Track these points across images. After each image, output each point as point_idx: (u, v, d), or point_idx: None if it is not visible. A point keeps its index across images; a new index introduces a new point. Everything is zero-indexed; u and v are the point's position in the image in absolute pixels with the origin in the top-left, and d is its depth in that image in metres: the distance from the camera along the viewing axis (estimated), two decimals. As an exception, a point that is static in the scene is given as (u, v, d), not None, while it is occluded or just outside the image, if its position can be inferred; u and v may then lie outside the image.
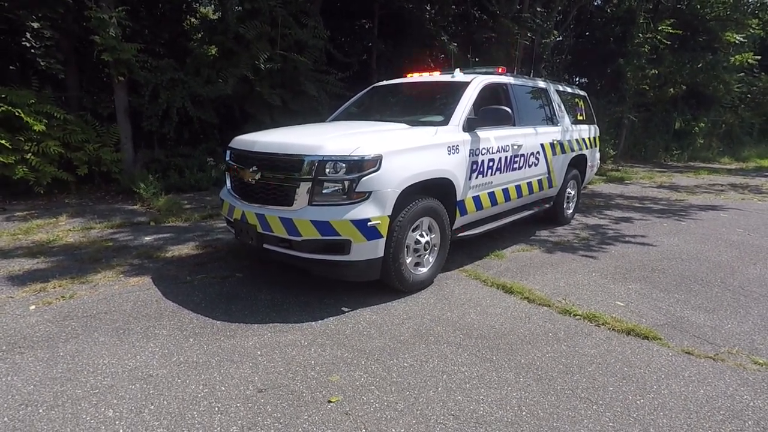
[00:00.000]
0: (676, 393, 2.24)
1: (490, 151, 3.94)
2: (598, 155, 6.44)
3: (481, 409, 2.09)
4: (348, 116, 4.68)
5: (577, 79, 16.35)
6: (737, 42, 14.62)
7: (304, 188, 3.00)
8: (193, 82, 7.44)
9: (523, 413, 2.06)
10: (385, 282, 3.24)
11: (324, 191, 2.99)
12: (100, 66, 7.32)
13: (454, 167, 3.54)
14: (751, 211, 6.78)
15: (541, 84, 5.14)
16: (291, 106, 8.03)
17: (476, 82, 4.05)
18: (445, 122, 3.67)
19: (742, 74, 15.76)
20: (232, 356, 2.48)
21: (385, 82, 5.02)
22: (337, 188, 2.98)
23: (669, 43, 13.44)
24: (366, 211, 2.95)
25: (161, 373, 2.31)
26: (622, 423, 2.01)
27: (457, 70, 4.44)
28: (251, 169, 3.25)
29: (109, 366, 2.37)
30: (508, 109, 3.70)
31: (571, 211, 5.83)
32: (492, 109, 3.72)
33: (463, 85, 4.03)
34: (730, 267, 4.15)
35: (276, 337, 2.72)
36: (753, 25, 14.52)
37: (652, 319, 3.05)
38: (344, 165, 2.94)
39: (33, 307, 3.07)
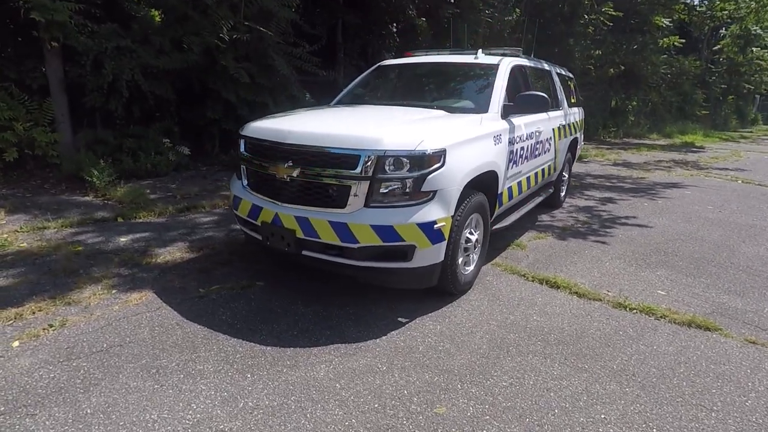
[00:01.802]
0: (769, 389, 2.28)
1: (522, 138, 3.76)
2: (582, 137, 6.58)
3: (612, 431, 1.96)
4: (355, 98, 4.23)
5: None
6: (664, 26, 15.77)
7: (360, 188, 2.60)
8: (143, 52, 6.39)
9: (654, 430, 1.96)
10: (440, 287, 2.98)
11: (382, 191, 2.62)
12: (27, 28, 6.00)
13: (498, 158, 3.31)
14: (706, 188, 7.38)
15: (546, 66, 5.02)
16: (258, 81, 7.24)
17: (505, 65, 3.80)
18: (484, 109, 3.41)
19: (665, 56, 17.11)
20: (309, 394, 2.11)
21: (393, 62, 4.60)
22: (396, 187, 2.62)
23: (611, 24, 14.12)
24: (432, 212, 2.64)
25: (235, 428, 1.90)
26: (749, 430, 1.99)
27: (479, 51, 4.14)
28: (286, 165, 2.77)
29: (163, 423, 1.90)
30: (545, 95, 3.51)
31: (563, 194, 5.91)
32: (530, 95, 3.51)
33: (492, 68, 3.77)
34: (727, 246, 4.42)
35: (345, 362, 2.37)
36: (678, 10, 15.66)
37: (698, 307, 3.13)
38: (408, 161, 2.58)
39: (16, 343, 2.42)
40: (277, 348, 2.47)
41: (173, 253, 3.80)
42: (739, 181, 7.96)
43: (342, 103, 4.16)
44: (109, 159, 6.10)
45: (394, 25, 10.02)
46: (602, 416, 2.04)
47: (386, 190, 2.62)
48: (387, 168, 2.59)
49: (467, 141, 2.92)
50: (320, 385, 2.18)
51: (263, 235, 2.97)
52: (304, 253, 2.83)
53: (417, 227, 2.59)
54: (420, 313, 2.91)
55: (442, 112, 3.31)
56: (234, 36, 6.62)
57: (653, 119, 18.38)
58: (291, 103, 8.21)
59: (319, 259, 2.82)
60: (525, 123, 3.81)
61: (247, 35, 6.75)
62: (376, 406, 2.05)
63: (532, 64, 4.53)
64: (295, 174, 2.75)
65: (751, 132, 20.73)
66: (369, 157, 2.56)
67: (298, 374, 2.25)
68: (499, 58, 3.93)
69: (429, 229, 2.62)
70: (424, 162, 2.60)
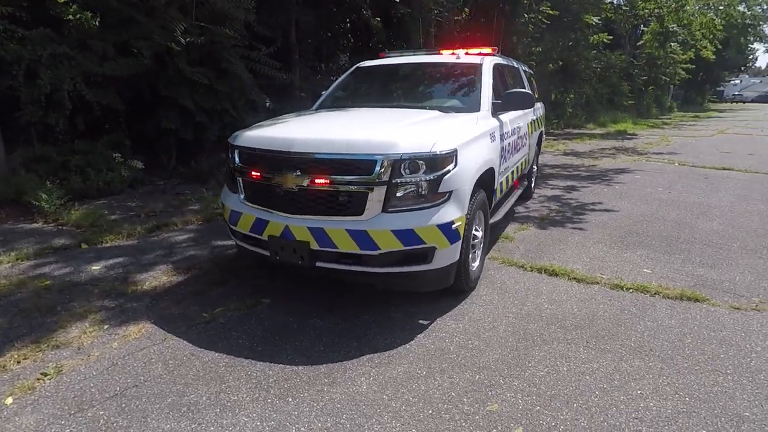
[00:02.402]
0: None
1: (508, 135, 3.89)
2: (542, 130, 6.91)
3: (652, 404, 2.08)
4: (339, 101, 4.16)
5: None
6: (593, 23, 16.97)
7: (378, 193, 2.56)
8: (84, 59, 5.86)
9: (687, 398, 2.11)
10: (454, 285, 3.00)
11: (399, 194, 2.59)
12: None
13: (494, 155, 3.40)
14: (651, 171, 8.04)
15: (515, 63, 5.22)
16: (216, 87, 6.89)
17: (488, 63, 3.91)
18: (476, 108, 3.47)
19: (595, 51, 18.45)
20: (360, 409, 2.05)
21: (372, 63, 4.55)
22: (412, 190, 2.60)
23: (549, 23, 14.97)
24: (449, 212, 2.65)
25: (295, 454, 1.80)
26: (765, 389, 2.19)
27: (462, 51, 4.20)
28: (294, 174, 2.66)
29: (215, 462, 1.76)
30: (530, 92, 3.65)
31: (533, 185, 6.19)
32: (516, 93, 3.63)
33: (476, 67, 3.86)
34: (686, 224, 4.85)
35: (383, 372, 2.33)
36: (606, 9, 16.91)
37: (682, 281, 3.40)
38: (424, 163, 2.57)
39: (10, 400, 2.12)
40: (308, 366, 2.37)
41: (158, 277, 3.52)
42: (676, 164, 8.76)
43: (326, 107, 4.07)
44: (56, 179, 5.54)
45: (348, 24, 9.94)
46: (638, 391, 2.17)
47: (403, 194, 2.60)
48: (403, 171, 2.56)
49: (472, 140, 2.97)
50: (367, 399, 2.12)
51: (271, 250, 2.83)
52: (319, 264, 2.73)
53: (437, 229, 2.59)
54: (438, 314, 2.92)
55: (437, 113, 3.34)
56: (188, 39, 6.25)
57: (588, 110, 19.71)
58: (251, 108, 7.92)
59: (334, 270, 2.74)
60: (509, 120, 3.93)
61: (202, 38, 6.39)
62: (430, 412, 2.03)
63: (506, 62, 4.69)
64: (305, 183, 2.65)
65: (669, 119, 22.85)
66: (385, 161, 2.53)
67: (340, 391, 2.17)
68: (481, 57, 4.03)
69: (448, 230, 2.63)
70: (440, 163, 2.61)
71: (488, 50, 4.32)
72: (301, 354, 2.48)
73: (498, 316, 2.89)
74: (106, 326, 2.78)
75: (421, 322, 2.83)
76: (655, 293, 3.20)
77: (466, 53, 4.20)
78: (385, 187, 2.55)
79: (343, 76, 4.44)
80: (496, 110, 3.64)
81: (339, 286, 3.25)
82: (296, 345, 2.57)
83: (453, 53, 4.19)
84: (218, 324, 2.81)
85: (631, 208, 5.48)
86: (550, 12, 14.47)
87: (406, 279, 2.76)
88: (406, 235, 2.55)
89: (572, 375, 2.30)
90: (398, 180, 2.56)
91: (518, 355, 2.48)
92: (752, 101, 50.88)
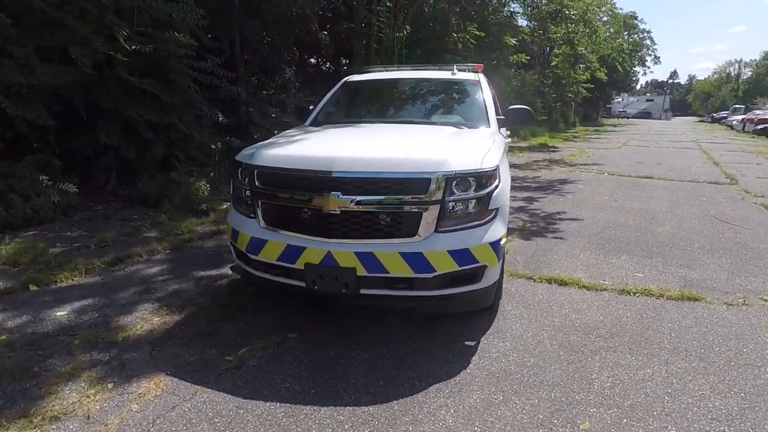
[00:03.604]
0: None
1: (506, 150, 3.99)
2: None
3: (718, 403, 2.20)
4: (335, 117, 3.98)
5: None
6: (512, 44, 18.46)
7: (432, 213, 2.45)
8: (1, 66, 4.98)
9: (742, 393, 2.27)
10: (492, 305, 2.96)
11: (450, 213, 2.51)
12: None
13: (507, 171, 3.46)
14: (589, 181, 8.82)
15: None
16: (164, 99, 6.24)
17: (483, 79, 4.01)
18: (485, 124, 3.53)
19: (513, 70, 20.05)
20: (458, 446, 1.90)
21: (361, 78, 4.42)
22: (461, 208, 2.54)
23: (475, 42, 15.97)
24: (498, 230, 2.63)
25: None
26: (788, 377, 2.44)
27: (455, 66, 4.26)
28: (338, 196, 2.45)
29: None
30: (530, 108, 3.79)
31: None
32: (519, 109, 3.76)
33: (475, 83, 3.93)
34: (646, 229, 5.35)
35: (460, 401, 2.20)
36: (523, 32, 18.49)
37: (673, 282, 3.72)
38: (474, 180, 2.52)
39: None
40: (379, 405, 2.16)
41: (148, 318, 3.03)
42: (606, 174, 9.71)
43: (323, 123, 3.85)
44: (-28, 209, 4.59)
45: (292, 39, 9.67)
46: (700, 392, 2.29)
47: (454, 212, 2.52)
48: (455, 189, 2.49)
49: (502, 156, 2.99)
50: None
51: (307, 280, 2.56)
52: (363, 292, 2.53)
53: (489, 247, 2.54)
54: (478, 333, 2.86)
55: (454, 129, 3.32)
56: (134, 47, 5.60)
57: (509, 125, 21.18)
58: (198, 122, 7.31)
59: (379, 297, 2.56)
60: (506, 134, 4.05)
61: (151, 46, 5.77)
62: (528, 440, 1.95)
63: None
64: (349, 206, 2.45)
65: (576, 132, 25.51)
66: (440, 179, 2.43)
67: (429, 428, 2.01)
68: (475, 73, 4.12)
69: (497, 247, 2.60)
70: (487, 180, 2.59)
71: (475, 66, 4.46)
72: (363, 392, 2.26)
73: (537, 331, 2.91)
74: (110, 385, 2.30)
75: (467, 343, 2.75)
76: (659, 296, 3.45)
77: (458, 68, 4.28)
78: (439, 206, 2.46)
79: (333, 91, 4.25)
80: (500, 126, 3.73)
81: (361, 314, 3.05)
82: (353, 382, 2.34)
83: (440, 68, 4.23)
84: (251, 367, 2.47)
85: (593, 216, 5.93)
86: (476, 32, 15.48)
87: (453, 301, 2.66)
88: (462, 255, 2.47)
89: (634, 383, 2.37)
90: (451, 198, 2.48)
91: (578, 368, 2.50)
92: (634, 116, 59.50)
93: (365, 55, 12.34)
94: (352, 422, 2.04)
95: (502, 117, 3.73)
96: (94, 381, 2.33)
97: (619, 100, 65.01)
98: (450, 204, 2.48)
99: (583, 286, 3.61)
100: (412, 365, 2.50)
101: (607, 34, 23.31)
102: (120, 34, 5.54)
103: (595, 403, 2.20)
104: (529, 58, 19.04)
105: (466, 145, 2.83)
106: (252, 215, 2.79)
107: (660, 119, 54.91)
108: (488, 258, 2.56)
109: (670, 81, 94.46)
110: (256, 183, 2.71)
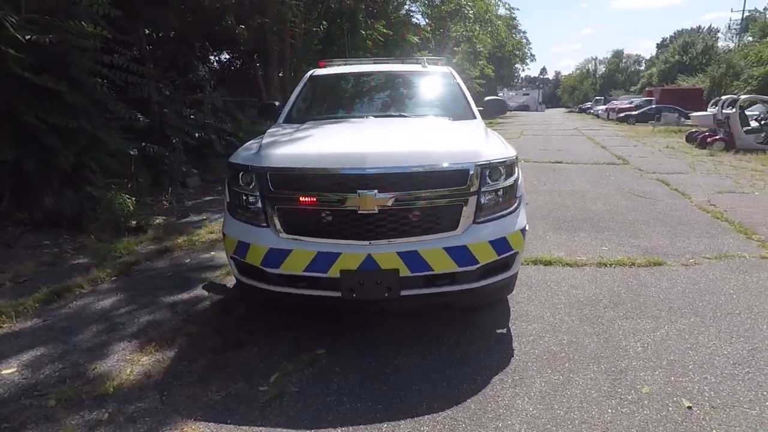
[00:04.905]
0: (737, 286, 3.31)
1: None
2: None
3: (730, 350, 2.50)
4: (311, 113, 3.71)
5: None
6: (415, 42, 19.16)
7: (471, 204, 2.39)
8: None
9: (741, 339, 2.62)
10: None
11: (485, 203, 2.48)
12: None
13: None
14: (512, 168, 9.51)
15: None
16: (69, 99, 5.24)
17: (455, 73, 4.05)
18: (471, 116, 3.57)
19: (419, 68, 20.84)
20: (550, 430, 1.89)
21: (328, 71, 4.16)
22: (491, 197, 2.53)
23: (384, 40, 16.24)
24: (523, 216, 2.68)
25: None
26: None
27: (424, 59, 4.22)
28: (375, 194, 2.27)
29: None
30: (504, 99, 3.93)
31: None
32: (495, 100, 3.87)
33: (449, 75, 3.96)
34: (584, 208, 5.92)
35: (524, 390, 2.20)
36: (425, 30, 19.25)
37: (634, 252, 4.16)
38: (504, 169, 2.53)
39: None
40: (456, 407, 2.06)
41: (134, 359, 2.53)
42: (522, 161, 10.56)
43: (301, 119, 3.52)
44: None
45: (207, 32, 8.83)
46: (712, 343, 2.58)
47: (487, 203, 2.50)
48: (488, 179, 2.47)
49: (507, 146, 3.04)
50: (541, 421, 1.97)
51: (344, 288, 2.34)
52: (404, 293, 2.39)
53: (520, 234, 2.58)
54: (504, 320, 2.91)
55: (448, 120, 3.31)
56: (29, 37, 4.60)
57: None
58: (108, 125, 6.30)
59: (419, 296, 2.44)
60: (481, 126, 4.16)
61: (51, 36, 4.79)
62: (609, 411, 2.02)
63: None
64: (388, 203, 2.29)
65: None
66: (477, 170, 2.39)
67: (515, 420, 1.97)
68: (445, 66, 4.14)
69: (524, 233, 2.65)
70: (513, 168, 2.62)
71: (437, 60, 4.50)
72: (432, 397, 2.14)
73: (553, 310, 3.04)
74: (132, 447, 1.86)
75: (498, 331, 2.77)
76: (630, 264, 3.83)
77: (428, 61, 4.27)
78: (476, 196, 2.42)
79: (301, 87, 3.92)
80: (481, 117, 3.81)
81: (371, 319, 2.91)
82: (415, 389, 2.20)
83: (403, 61, 4.20)
84: (294, 394, 2.19)
85: (536, 199, 6.40)
86: (384, 31, 15.80)
87: (488, 292, 2.62)
88: (501, 244, 2.46)
89: (658, 343, 2.59)
90: (485, 189, 2.45)
91: (607, 338, 2.66)
92: (515, 109, 66.06)
93: (279, 53, 11.80)
94: (438, 430, 1.92)
95: (481, 108, 3.81)
96: (106, 444, 1.87)
97: (501, 94, 71.70)
98: (485, 194, 2.46)
99: (566, 264, 3.87)
100: (459, 363, 2.43)
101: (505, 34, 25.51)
102: (8, 21, 4.50)
103: (641, 367, 2.36)
104: (431, 55, 19.94)
105: (479, 136, 2.83)
106: (264, 224, 2.46)
107: (537, 111, 61.53)
108: (520, 245, 2.59)
109: (541, 77, 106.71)
110: (271, 187, 2.40)
